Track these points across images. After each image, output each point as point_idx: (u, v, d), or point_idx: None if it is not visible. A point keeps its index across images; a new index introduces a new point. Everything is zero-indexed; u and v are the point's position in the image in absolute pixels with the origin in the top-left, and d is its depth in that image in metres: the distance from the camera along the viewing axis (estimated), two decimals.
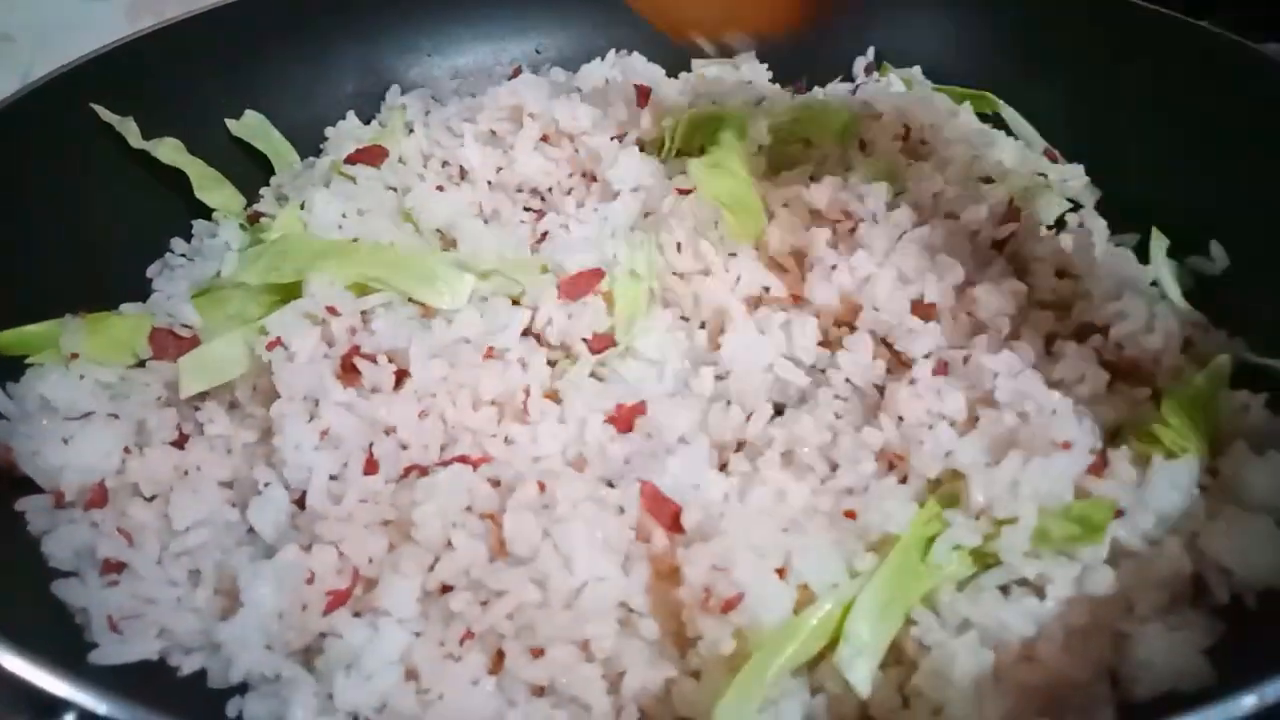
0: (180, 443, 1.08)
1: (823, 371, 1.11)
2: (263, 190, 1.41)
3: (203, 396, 1.10)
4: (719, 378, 1.11)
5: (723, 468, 1.04)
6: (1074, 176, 1.39)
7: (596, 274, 1.17)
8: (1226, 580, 0.91)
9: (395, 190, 1.33)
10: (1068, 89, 1.46)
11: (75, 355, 1.11)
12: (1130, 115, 1.39)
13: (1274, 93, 1.27)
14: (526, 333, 1.15)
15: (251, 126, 1.46)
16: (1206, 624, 0.89)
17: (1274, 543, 0.91)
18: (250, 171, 1.44)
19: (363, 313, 1.11)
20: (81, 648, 0.92)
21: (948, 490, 0.96)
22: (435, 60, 1.62)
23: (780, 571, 0.89)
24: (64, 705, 0.76)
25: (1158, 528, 0.94)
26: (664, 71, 1.53)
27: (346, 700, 0.87)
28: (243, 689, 0.91)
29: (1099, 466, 0.97)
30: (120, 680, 0.89)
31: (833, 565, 0.91)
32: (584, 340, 1.14)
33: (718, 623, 0.86)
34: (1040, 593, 0.91)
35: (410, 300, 1.14)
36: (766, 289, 1.16)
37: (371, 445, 1.01)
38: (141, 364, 1.13)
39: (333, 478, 1.01)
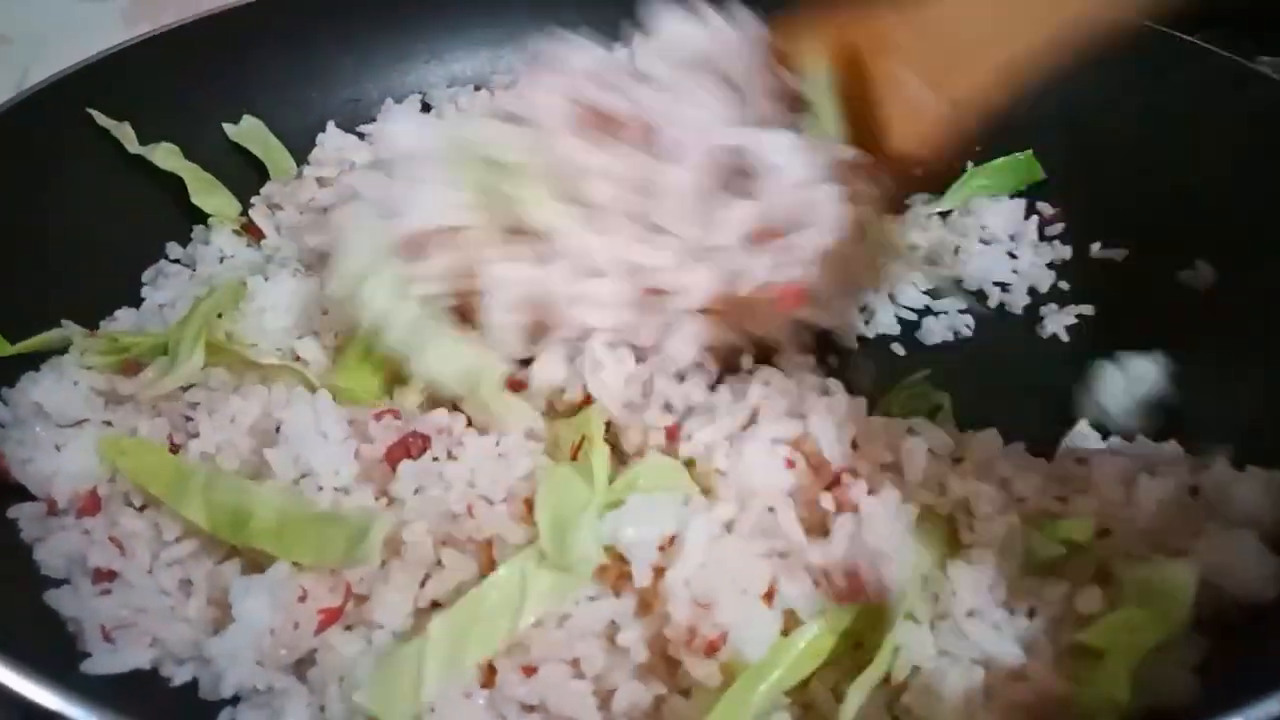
0: (172, 452, 1.07)
1: None
2: (253, 199, 1.41)
3: (193, 406, 1.10)
4: None
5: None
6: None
7: None
8: (1212, 597, 0.90)
9: None
10: (1058, 103, 1.46)
11: None
12: (1120, 129, 1.39)
13: (1266, 107, 1.28)
14: None
15: (249, 132, 1.46)
16: (1193, 641, 0.89)
17: (1259, 557, 0.90)
18: (247, 177, 1.44)
19: None
20: (74, 657, 0.91)
21: None
22: (432, 67, 1.61)
23: (769, 595, 0.89)
24: (55, 718, 0.76)
25: (1142, 544, 0.93)
26: None
27: (339, 712, 0.87)
28: (235, 699, 0.91)
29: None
30: (112, 690, 0.89)
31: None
32: None
33: (702, 660, 0.87)
34: (1030, 611, 0.91)
35: None
36: None
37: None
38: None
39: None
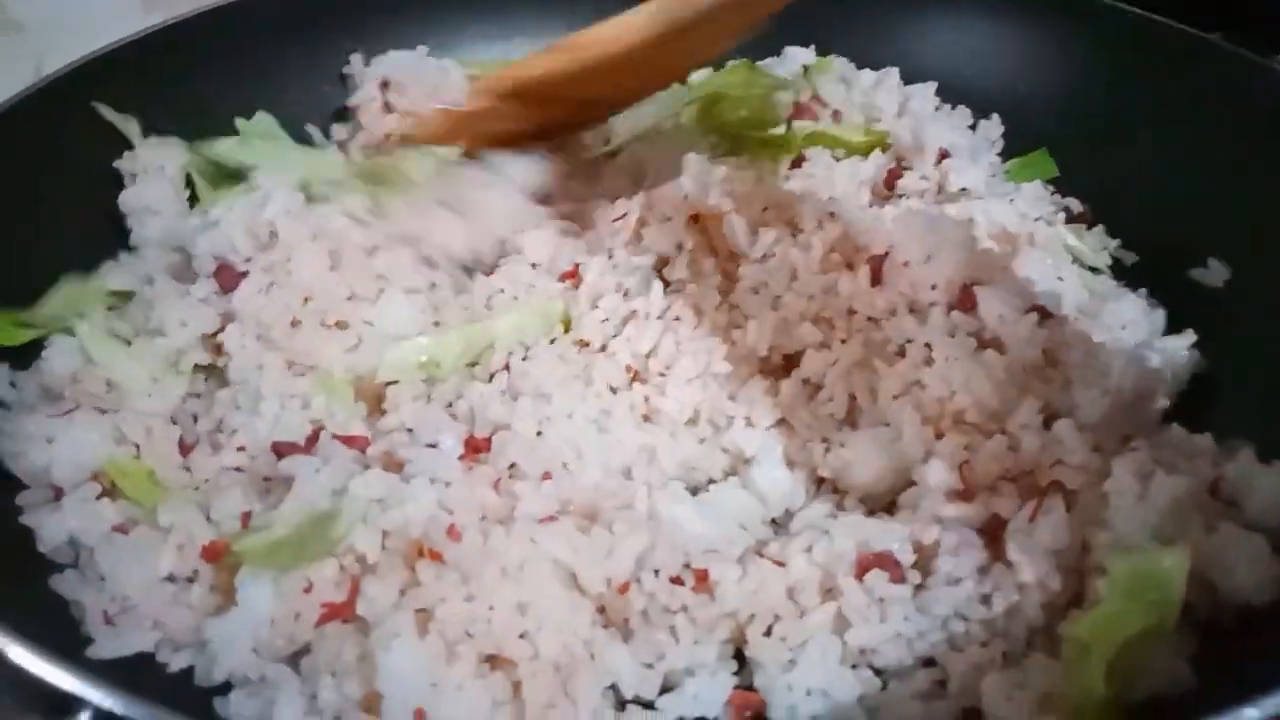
0: (183, 454, 1.10)
1: None
2: None
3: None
4: None
5: None
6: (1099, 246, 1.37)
7: None
8: (1206, 594, 0.90)
9: None
10: (1074, 101, 1.46)
11: None
12: (1133, 128, 1.39)
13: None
14: None
15: (261, 127, 1.45)
16: (1185, 635, 0.88)
17: (1263, 560, 0.90)
18: None
19: None
20: (77, 642, 0.92)
21: None
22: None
23: None
24: (78, 703, 0.77)
25: (1151, 541, 0.92)
26: None
27: (330, 702, 0.87)
28: (228, 687, 0.91)
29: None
30: (108, 675, 0.86)
31: None
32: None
33: None
34: None
35: None
36: None
37: None
38: None
39: None
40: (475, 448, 1.04)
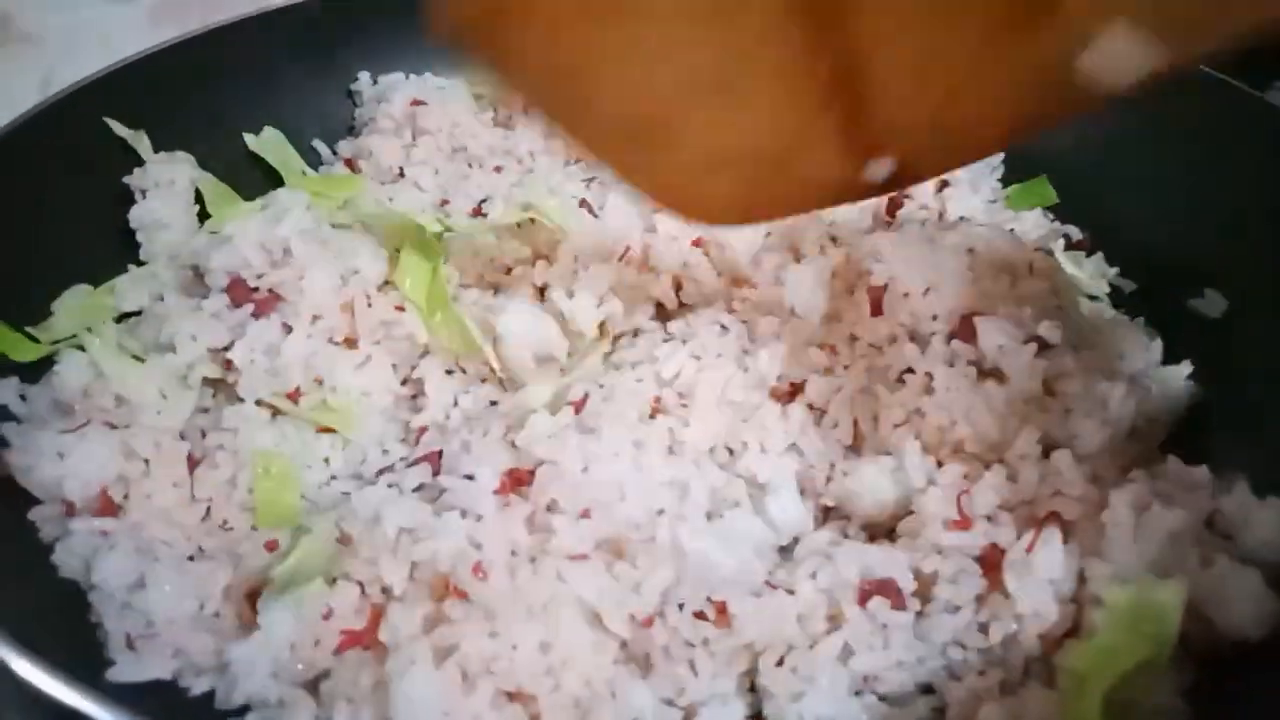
0: (190, 470, 1.10)
1: None
2: None
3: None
4: None
5: None
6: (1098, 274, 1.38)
7: None
8: (1203, 628, 0.91)
9: None
10: (1073, 128, 1.46)
11: None
12: (1130, 158, 1.40)
13: (1277, 137, 1.29)
14: None
15: (268, 142, 1.47)
16: (1182, 667, 0.90)
17: (1258, 596, 0.91)
18: (263, 186, 1.45)
19: None
20: (97, 662, 0.93)
21: None
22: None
23: None
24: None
25: (1147, 573, 0.94)
26: None
27: None
28: (245, 709, 0.92)
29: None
30: (130, 696, 0.90)
31: None
32: None
33: None
34: None
35: None
36: None
37: None
38: None
39: None
40: (518, 480, 1.02)
